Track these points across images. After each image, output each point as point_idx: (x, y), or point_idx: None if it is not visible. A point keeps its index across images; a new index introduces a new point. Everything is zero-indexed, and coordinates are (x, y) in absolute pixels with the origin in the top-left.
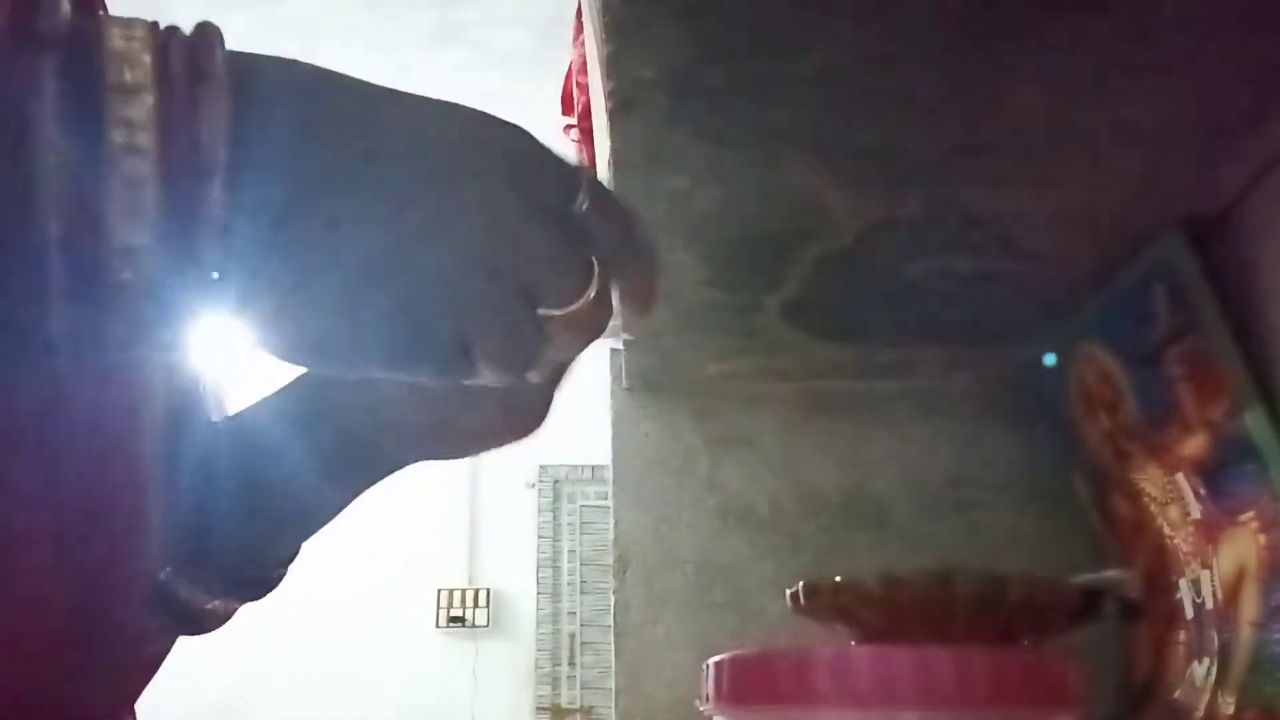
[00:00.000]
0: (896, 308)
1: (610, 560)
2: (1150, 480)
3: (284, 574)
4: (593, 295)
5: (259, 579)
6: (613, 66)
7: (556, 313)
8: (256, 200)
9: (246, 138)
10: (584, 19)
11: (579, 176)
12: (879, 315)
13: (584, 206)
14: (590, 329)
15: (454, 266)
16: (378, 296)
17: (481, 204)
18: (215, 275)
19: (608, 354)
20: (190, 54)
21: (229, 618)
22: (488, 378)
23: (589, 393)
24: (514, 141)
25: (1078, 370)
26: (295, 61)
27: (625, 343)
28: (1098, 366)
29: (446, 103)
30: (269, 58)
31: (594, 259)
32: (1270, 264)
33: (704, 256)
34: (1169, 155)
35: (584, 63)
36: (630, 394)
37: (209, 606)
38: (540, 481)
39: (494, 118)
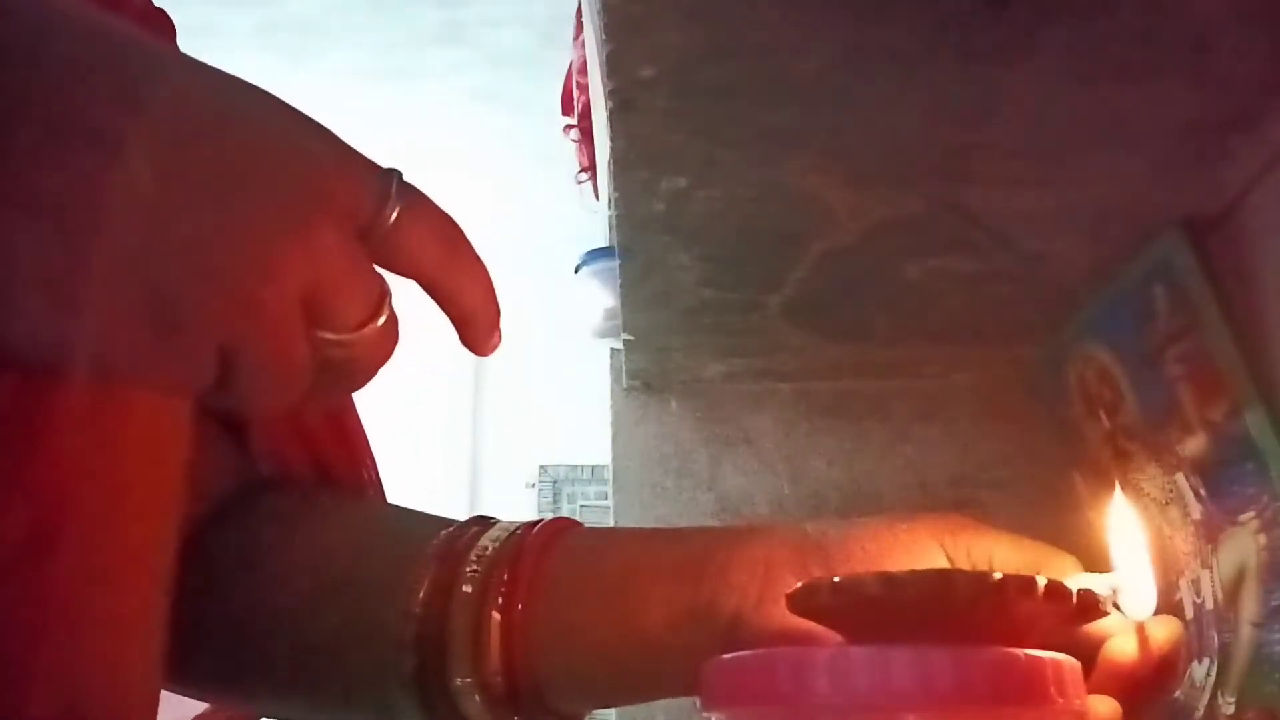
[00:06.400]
0: (897, 308)
1: None
2: (1150, 480)
3: None
4: (380, 323)
5: None
6: (613, 66)
7: (337, 337)
8: None
9: None
10: (584, 19)
11: (388, 185)
12: (879, 315)
13: (393, 219)
14: (371, 360)
15: (224, 261)
16: (133, 277)
17: (266, 200)
18: None
19: (608, 354)
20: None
21: None
22: (247, 394)
23: (589, 393)
24: (315, 140)
25: (1078, 370)
26: None
27: (625, 343)
28: (1098, 366)
29: (250, 85)
30: None
31: (384, 286)
32: (1270, 264)
33: (704, 256)
34: (1169, 155)
35: (584, 63)
36: (630, 394)
37: None
38: (540, 481)
39: (299, 112)
